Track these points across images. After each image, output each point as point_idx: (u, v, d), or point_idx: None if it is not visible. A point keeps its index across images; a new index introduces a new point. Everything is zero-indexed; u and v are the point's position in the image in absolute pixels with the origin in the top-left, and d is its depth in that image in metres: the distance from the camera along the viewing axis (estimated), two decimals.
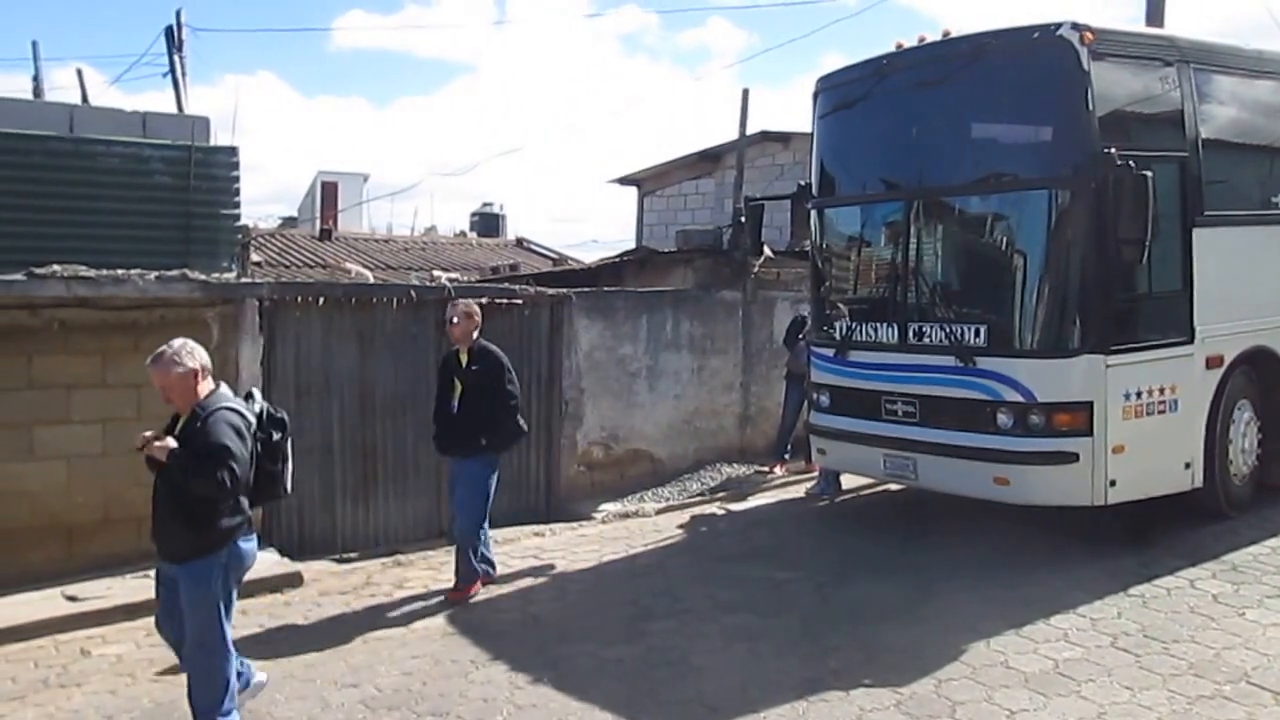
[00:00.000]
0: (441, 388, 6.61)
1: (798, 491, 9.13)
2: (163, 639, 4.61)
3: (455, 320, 6.49)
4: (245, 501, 4.39)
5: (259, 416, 4.44)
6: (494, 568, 6.69)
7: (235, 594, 4.49)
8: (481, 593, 6.56)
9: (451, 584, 6.56)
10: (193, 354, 4.33)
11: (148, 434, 4.21)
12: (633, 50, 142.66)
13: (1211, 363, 6.80)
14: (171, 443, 4.18)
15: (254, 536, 4.55)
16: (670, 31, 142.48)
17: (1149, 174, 6.01)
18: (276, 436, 4.49)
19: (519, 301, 9.12)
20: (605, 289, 10.44)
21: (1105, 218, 6.15)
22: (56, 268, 6.80)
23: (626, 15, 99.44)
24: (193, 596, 4.28)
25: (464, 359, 6.51)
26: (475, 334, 6.53)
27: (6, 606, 6.24)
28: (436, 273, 13.30)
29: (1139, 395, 6.38)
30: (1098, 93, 6.24)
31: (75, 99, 10.71)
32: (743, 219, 10.89)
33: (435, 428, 6.66)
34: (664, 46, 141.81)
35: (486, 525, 6.64)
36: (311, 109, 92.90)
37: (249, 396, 4.54)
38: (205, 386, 4.35)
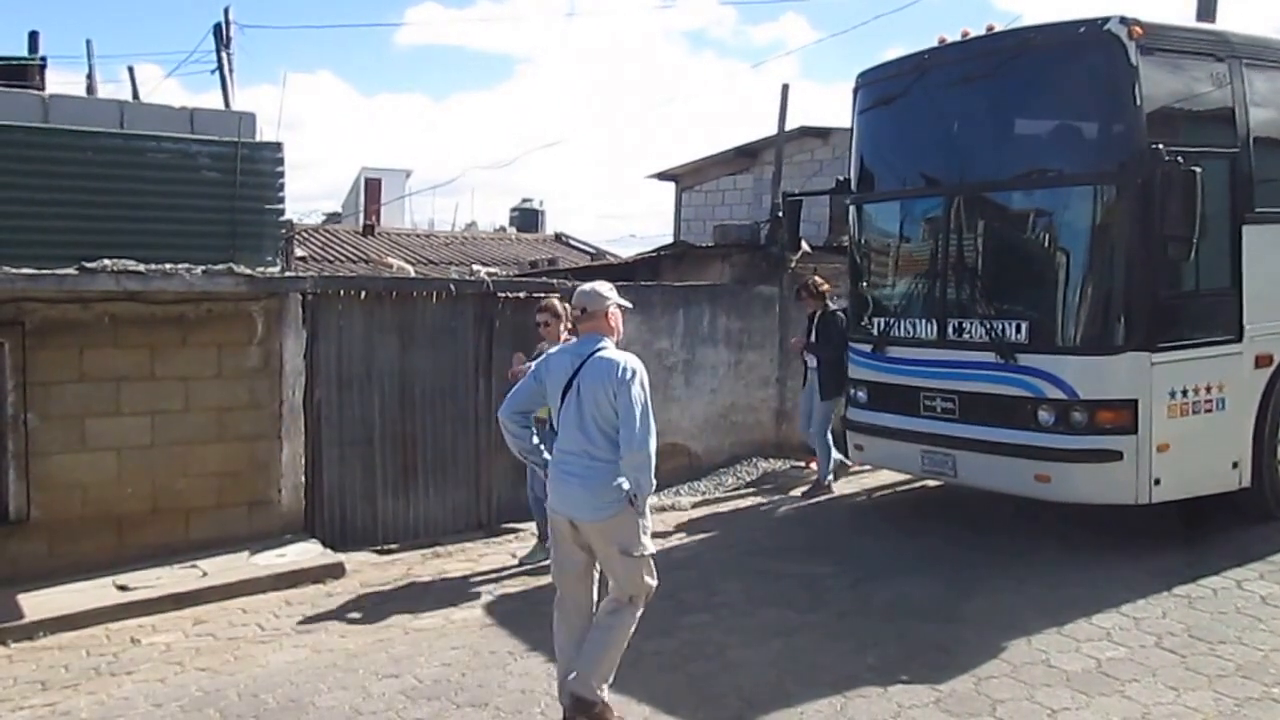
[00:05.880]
0: None
1: (836, 487, 9.08)
2: None
3: None
4: None
5: None
6: None
7: None
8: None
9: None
10: None
11: None
12: (699, 46, 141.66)
13: (1260, 361, 6.67)
14: None
15: None
16: (744, 26, 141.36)
17: (1197, 170, 5.90)
18: None
19: (556, 295, 9.15)
20: (642, 283, 10.45)
21: (1152, 214, 6.05)
22: (106, 262, 6.93)
23: (698, 4, 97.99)
24: None
25: None
26: None
27: (60, 595, 6.42)
28: (476, 267, 13.43)
29: (1185, 393, 6.28)
30: (1146, 88, 6.12)
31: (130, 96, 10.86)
32: (781, 214, 10.84)
33: None
34: (735, 42, 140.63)
35: None
36: (367, 106, 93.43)
37: None
38: None
